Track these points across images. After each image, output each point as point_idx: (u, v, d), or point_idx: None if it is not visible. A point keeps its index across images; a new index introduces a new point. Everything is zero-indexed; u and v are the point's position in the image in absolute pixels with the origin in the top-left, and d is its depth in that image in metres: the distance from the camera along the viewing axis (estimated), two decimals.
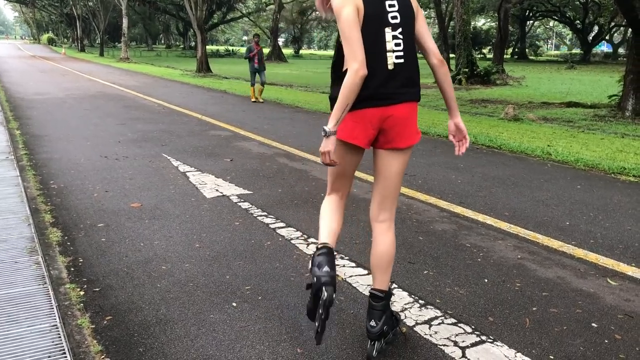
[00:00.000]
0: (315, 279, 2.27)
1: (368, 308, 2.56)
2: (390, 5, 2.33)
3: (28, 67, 27.79)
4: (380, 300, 2.55)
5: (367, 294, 3.07)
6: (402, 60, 2.37)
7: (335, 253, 2.45)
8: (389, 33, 2.33)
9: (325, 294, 2.22)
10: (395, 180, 2.56)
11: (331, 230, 2.52)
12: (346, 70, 2.24)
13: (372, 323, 2.51)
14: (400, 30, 2.35)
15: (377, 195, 2.61)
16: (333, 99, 2.33)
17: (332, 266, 2.32)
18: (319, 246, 2.42)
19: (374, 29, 2.30)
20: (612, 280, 3.48)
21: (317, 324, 2.26)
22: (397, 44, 2.35)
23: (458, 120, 2.68)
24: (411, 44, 2.41)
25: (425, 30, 2.47)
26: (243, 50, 77.14)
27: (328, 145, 2.28)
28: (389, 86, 2.36)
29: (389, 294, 2.60)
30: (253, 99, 14.19)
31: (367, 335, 2.53)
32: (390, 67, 2.34)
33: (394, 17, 2.34)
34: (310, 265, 2.37)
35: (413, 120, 2.50)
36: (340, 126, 2.30)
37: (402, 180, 2.63)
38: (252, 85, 14.34)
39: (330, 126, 2.25)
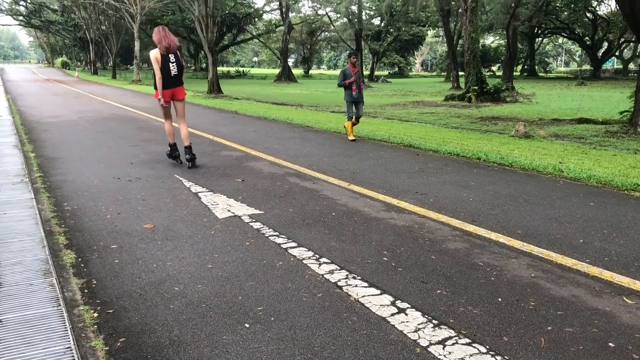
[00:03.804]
0: (174, 154, 7.86)
1: (185, 151, 7.57)
2: (170, 57, 7.31)
3: (42, 90, 28.23)
4: (190, 148, 7.59)
5: (380, 314, 3.20)
6: (176, 72, 7.39)
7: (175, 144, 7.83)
8: (171, 64, 7.31)
9: (178, 161, 7.88)
10: (182, 110, 7.74)
11: (173, 133, 7.85)
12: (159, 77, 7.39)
13: (190, 156, 7.54)
14: (175, 63, 7.33)
15: (178, 117, 7.75)
16: (156, 87, 7.40)
17: (177, 149, 7.88)
18: (172, 143, 7.82)
19: (166, 63, 7.27)
20: (628, 299, 3.43)
21: (179, 161, 7.90)
22: (173, 67, 7.35)
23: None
24: (180, 68, 7.42)
25: (181, 64, 7.44)
26: (254, 71, 77.87)
27: (161, 102, 7.54)
28: (172, 81, 7.39)
29: (191, 146, 7.67)
30: (352, 138, 10.81)
31: (190, 163, 7.55)
32: (172, 74, 7.36)
33: (172, 59, 7.32)
34: (170, 149, 7.86)
35: (183, 90, 7.65)
36: (164, 95, 7.44)
37: (187, 110, 8.44)
38: (350, 118, 10.90)
39: (161, 98, 7.46)
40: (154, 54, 7.17)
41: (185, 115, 7.81)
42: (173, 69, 7.24)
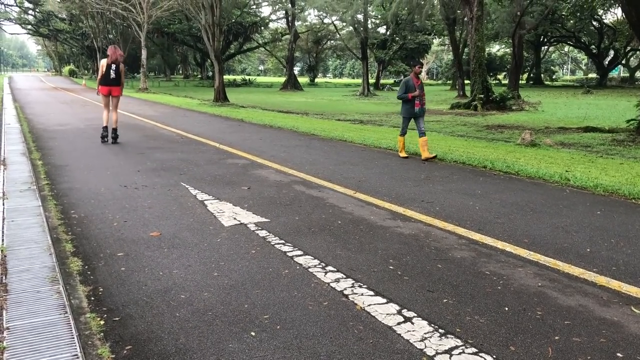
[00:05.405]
0: (104, 134, 11.17)
1: (112, 131, 11.14)
2: (112, 66, 10.79)
3: (50, 98, 28.40)
4: (116, 130, 11.19)
5: (386, 323, 3.19)
6: (114, 76, 10.86)
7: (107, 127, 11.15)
8: (112, 71, 10.79)
9: (106, 140, 11.14)
10: (116, 104, 11.24)
11: (107, 119, 11.18)
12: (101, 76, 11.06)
13: (114, 135, 11.11)
14: (114, 69, 10.79)
15: (112, 108, 11.18)
16: (98, 85, 11.16)
17: (108, 130, 11.20)
18: (105, 125, 11.20)
19: (108, 69, 10.77)
20: (636, 309, 3.41)
21: (107, 140, 11.17)
22: (112, 73, 10.83)
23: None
24: (118, 74, 10.91)
25: (122, 73, 11.06)
26: (260, 79, 78.01)
27: (98, 94, 11.31)
28: (111, 81, 10.88)
29: (116, 128, 11.28)
30: (404, 155, 9.71)
31: (113, 140, 11.12)
32: (111, 77, 10.86)
33: (113, 68, 10.79)
34: (102, 130, 11.21)
35: (118, 90, 11.07)
36: (101, 90, 11.01)
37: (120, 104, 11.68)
38: (403, 134, 9.73)
39: (98, 92, 11.18)
40: (103, 62, 10.81)
41: (118, 107, 11.33)
42: (112, 74, 10.75)
